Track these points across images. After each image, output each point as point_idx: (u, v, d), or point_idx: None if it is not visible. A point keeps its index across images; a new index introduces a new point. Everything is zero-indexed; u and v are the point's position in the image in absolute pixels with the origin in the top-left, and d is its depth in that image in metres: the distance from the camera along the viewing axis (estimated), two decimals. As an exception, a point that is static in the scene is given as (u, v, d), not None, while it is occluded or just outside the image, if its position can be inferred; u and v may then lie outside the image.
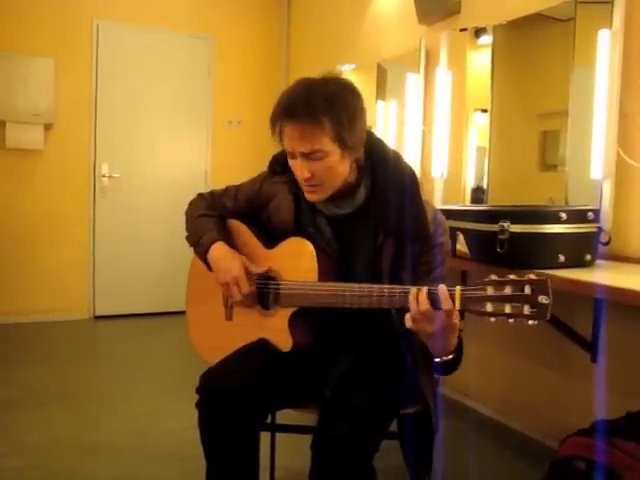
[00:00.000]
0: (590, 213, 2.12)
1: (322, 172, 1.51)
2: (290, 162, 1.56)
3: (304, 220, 1.67)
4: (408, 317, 1.34)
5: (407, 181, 1.59)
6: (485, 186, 3.10)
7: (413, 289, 1.35)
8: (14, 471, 2.37)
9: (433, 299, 1.32)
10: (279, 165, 1.71)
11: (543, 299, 1.23)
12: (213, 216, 1.81)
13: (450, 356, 1.42)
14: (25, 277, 4.66)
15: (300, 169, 1.51)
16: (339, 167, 1.52)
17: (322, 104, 1.45)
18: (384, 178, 1.59)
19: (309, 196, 1.59)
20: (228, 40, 5.20)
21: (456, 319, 1.34)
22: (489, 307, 1.27)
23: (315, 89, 1.48)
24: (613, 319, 2.30)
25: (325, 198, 1.58)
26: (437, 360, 1.42)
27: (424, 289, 1.34)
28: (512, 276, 1.27)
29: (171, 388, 3.32)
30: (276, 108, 1.52)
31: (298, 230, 1.67)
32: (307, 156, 1.49)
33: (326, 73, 1.55)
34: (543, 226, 2.05)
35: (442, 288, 1.31)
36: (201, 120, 5.20)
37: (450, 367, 1.45)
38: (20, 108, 4.46)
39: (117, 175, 4.89)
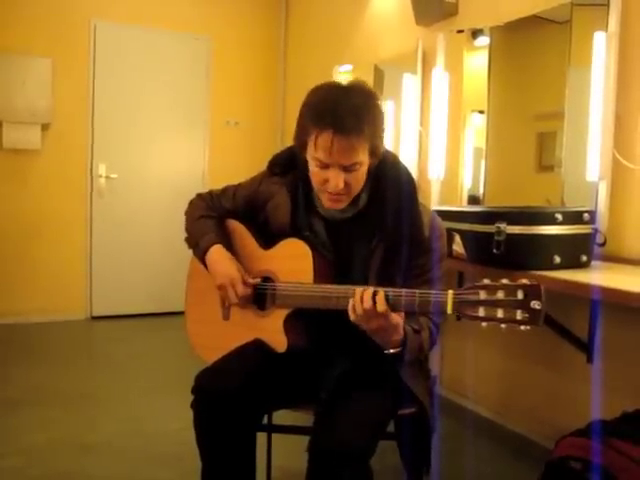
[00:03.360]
0: (586, 214, 2.12)
1: (355, 182, 1.52)
2: (318, 171, 1.52)
3: (300, 222, 1.68)
4: (350, 308, 1.41)
5: (405, 186, 1.60)
6: (482, 187, 3.10)
7: (359, 288, 1.41)
8: (12, 471, 2.37)
9: (374, 300, 1.38)
10: (278, 166, 1.71)
11: (536, 304, 1.23)
12: (212, 217, 1.82)
13: (395, 350, 1.48)
14: (22, 277, 4.65)
15: (335, 180, 1.49)
16: (364, 176, 1.55)
17: (366, 114, 1.45)
18: (383, 182, 1.59)
19: (333, 204, 1.58)
20: (226, 41, 5.20)
21: (396, 319, 1.40)
22: (481, 312, 1.28)
23: (355, 98, 1.46)
24: (609, 320, 2.30)
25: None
26: (385, 352, 1.48)
27: (370, 289, 1.39)
28: (505, 281, 1.27)
29: (168, 388, 3.32)
30: (316, 115, 1.47)
31: (295, 232, 1.67)
32: (346, 168, 1.49)
33: (350, 80, 1.54)
34: (539, 227, 2.06)
35: (379, 293, 1.38)
36: (199, 121, 5.20)
37: (398, 358, 1.50)
38: (17, 108, 4.45)
39: (114, 176, 4.88)
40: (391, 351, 1.47)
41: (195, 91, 5.17)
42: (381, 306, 1.37)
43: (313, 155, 1.51)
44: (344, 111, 1.43)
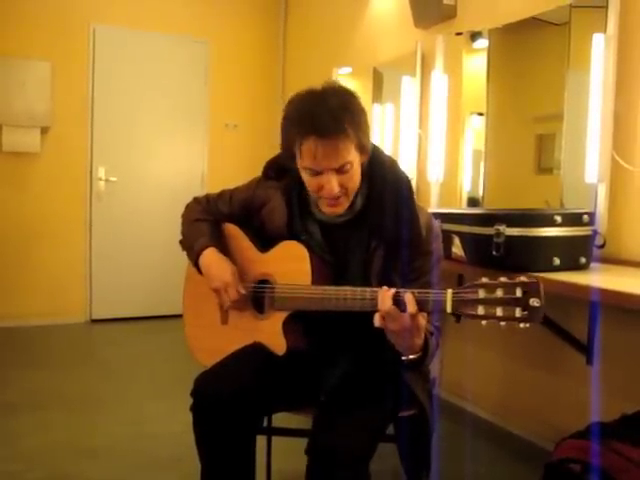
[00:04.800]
0: (585, 216, 2.12)
1: (349, 183, 1.51)
2: (311, 179, 1.52)
3: (296, 226, 1.67)
4: (377, 315, 1.36)
5: (403, 188, 1.60)
6: (481, 189, 3.10)
7: (383, 288, 1.37)
8: (10, 475, 2.36)
9: (398, 301, 1.34)
10: (272, 170, 1.71)
11: (535, 302, 1.23)
12: (207, 221, 1.82)
13: (415, 355, 1.44)
14: (22, 281, 4.65)
15: (330, 185, 1.48)
16: (358, 174, 1.54)
17: (345, 114, 1.45)
18: (381, 184, 1.59)
19: (332, 210, 1.57)
20: (225, 44, 5.21)
21: (421, 321, 1.36)
22: (480, 310, 1.27)
23: (331, 101, 1.46)
24: (608, 322, 2.30)
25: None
26: (403, 358, 1.44)
27: (391, 290, 1.36)
28: (503, 279, 1.27)
29: (168, 391, 3.31)
30: (295, 124, 1.48)
31: (291, 236, 1.67)
32: (338, 171, 1.48)
33: (325, 83, 1.53)
34: (538, 229, 2.06)
35: (407, 293, 1.34)
36: (198, 123, 5.21)
37: (416, 365, 1.47)
38: (17, 111, 4.45)
39: (114, 179, 4.89)
40: (410, 357, 1.44)
41: (194, 94, 5.17)
42: (412, 307, 1.33)
43: (302, 165, 1.51)
44: (323, 115, 1.43)
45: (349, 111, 1.46)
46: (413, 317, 1.34)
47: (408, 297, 1.34)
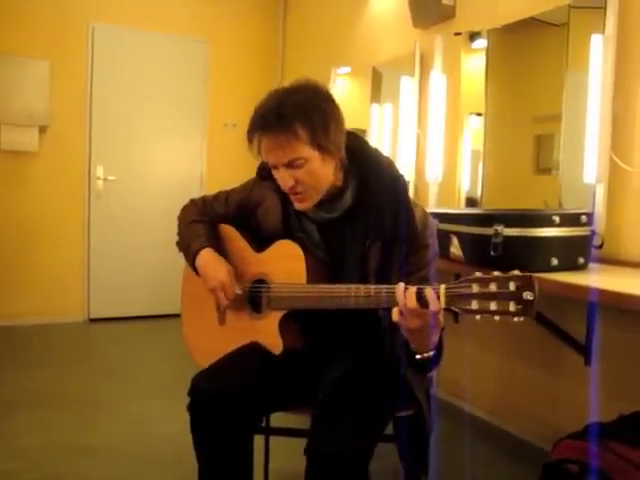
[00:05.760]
0: (583, 216, 2.12)
1: (306, 178, 1.52)
2: (273, 172, 1.57)
3: (292, 225, 1.68)
4: (396, 311, 1.35)
5: (396, 184, 1.60)
6: (479, 189, 3.11)
7: (401, 285, 1.35)
8: (9, 474, 2.36)
9: (421, 298, 1.32)
10: (266, 170, 1.71)
11: (528, 295, 1.22)
12: (204, 222, 1.83)
13: (430, 353, 1.43)
14: (20, 280, 4.65)
15: (283, 178, 1.53)
16: (321, 171, 1.53)
17: (293, 112, 1.46)
18: (377, 183, 1.59)
19: (298, 205, 1.59)
20: (224, 43, 5.21)
21: (441, 318, 1.35)
22: (474, 305, 1.26)
23: (285, 99, 1.50)
24: (606, 322, 2.30)
25: (313, 205, 1.58)
26: (418, 357, 1.43)
27: (413, 288, 1.34)
28: (497, 273, 1.27)
29: (167, 391, 3.31)
30: (250, 123, 1.55)
31: (287, 235, 1.68)
32: (288, 165, 1.50)
33: (295, 80, 1.56)
34: (536, 230, 2.06)
35: (428, 289, 1.32)
36: (196, 123, 5.21)
37: (429, 364, 1.46)
38: (15, 110, 4.44)
39: (112, 178, 4.88)
40: (425, 355, 1.43)
41: (193, 93, 5.17)
42: (436, 305, 1.31)
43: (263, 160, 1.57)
44: (270, 112, 1.48)
45: (301, 109, 1.47)
46: (436, 314, 1.33)
47: (431, 294, 1.31)
